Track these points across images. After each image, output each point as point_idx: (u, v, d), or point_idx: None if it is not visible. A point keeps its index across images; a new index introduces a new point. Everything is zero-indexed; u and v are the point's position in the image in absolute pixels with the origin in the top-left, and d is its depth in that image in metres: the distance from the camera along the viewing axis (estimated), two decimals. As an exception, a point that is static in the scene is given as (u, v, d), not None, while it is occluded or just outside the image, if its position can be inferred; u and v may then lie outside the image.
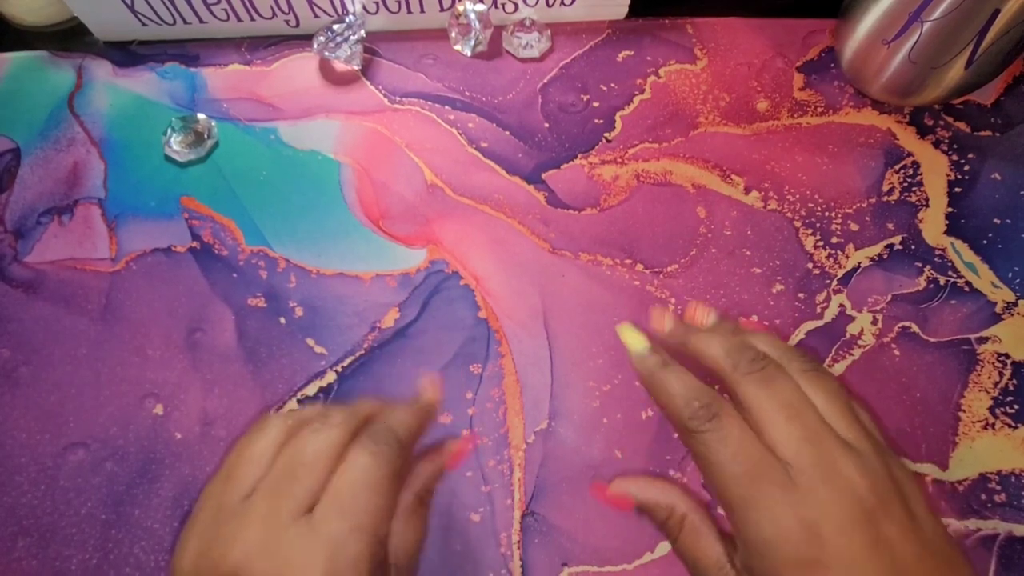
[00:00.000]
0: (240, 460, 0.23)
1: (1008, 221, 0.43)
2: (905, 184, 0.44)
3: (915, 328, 0.40)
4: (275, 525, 0.20)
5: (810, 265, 0.41)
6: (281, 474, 0.22)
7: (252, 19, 0.47)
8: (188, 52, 0.48)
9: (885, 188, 0.44)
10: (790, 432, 0.21)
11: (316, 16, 0.47)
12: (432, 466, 0.26)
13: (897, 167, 0.44)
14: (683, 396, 0.23)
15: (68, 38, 0.49)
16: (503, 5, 0.47)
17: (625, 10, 0.48)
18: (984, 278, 0.41)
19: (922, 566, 0.20)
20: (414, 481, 0.25)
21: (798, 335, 0.40)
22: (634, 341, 0.25)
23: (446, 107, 0.46)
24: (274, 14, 0.47)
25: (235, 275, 0.41)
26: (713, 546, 0.23)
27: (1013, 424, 0.38)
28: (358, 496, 0.21)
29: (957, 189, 0.43)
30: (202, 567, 0.21)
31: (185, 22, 0.47)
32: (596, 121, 0.46)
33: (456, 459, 0.27)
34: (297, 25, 0.48)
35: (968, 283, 0.41)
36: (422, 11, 0.47)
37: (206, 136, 0.44)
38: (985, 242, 0.42)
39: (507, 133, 0.45)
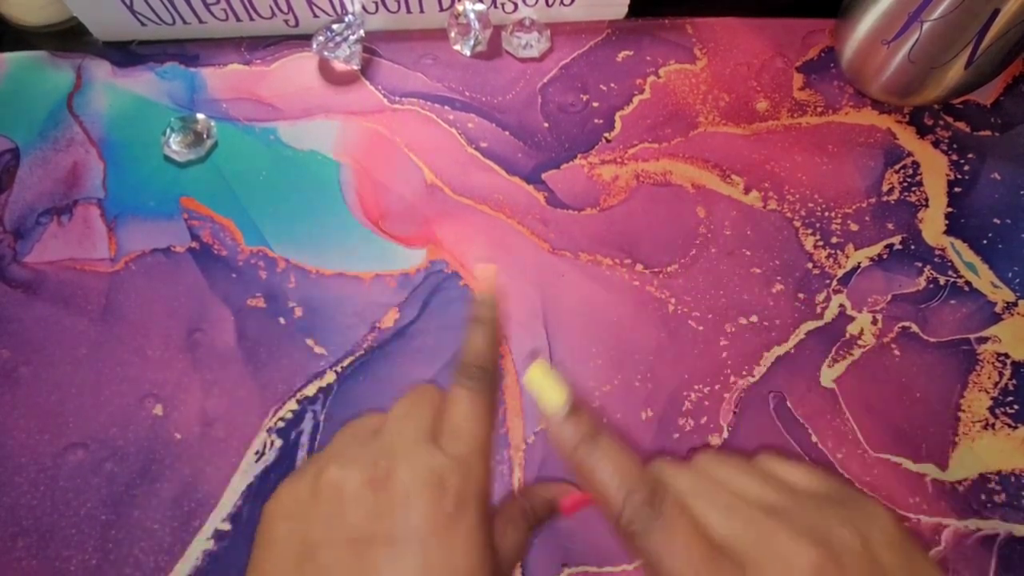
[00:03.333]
0: (354, 423, 0.25)
1: (1008, 221, 0.42)
2: (905, 184, 0.44)
3: (915, 328, 0.40)
4: (410, 444, 0.22)
5: (810, 265, 0.41)
6: (400, 414, 0.24)
7: (251, 19, 0.47)
8: (187, 52, 0.48)
9: (885, 188, 0.44)
10: (724, 521, 0.20)
11: (315, 16, 0.47)
12: (546, 493, 0.25)
13: (897, 167, 0.44)
14: (619, 488, 0.21)
15: (67, 38, 0.49)
16: (503, 5, 0.47)
17: (625, 10, 0.48)
18: (984, 278, 0.41)
19: None
20: (526, 494, 0.25)
21: (798, 335, 0.40)
22: (550, 394, 0.22)
23: (446, 107, 0.46)
24: (273, 14, 0.47)
25: (234, 275, 0.41)
26: None
27: (1013, 424, 0.37)
28: (470, 426, 0.23)
29: (957, 189, 0.43)
30: (347, 476, 0.21)
31: (184, 22, 0.47)
32: (596, 121, 0.46)
33: (570, 508, 0.25)
34: (296, 25, 0.48)
35: (968, 283, 0.41)
36: (421, 11, 0.47)
37: (205, 136, 0.44)
38: (985, 242, 0.42)
39: (507, 133, 0.45)
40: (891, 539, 0.20)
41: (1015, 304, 0.40)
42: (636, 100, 0.46)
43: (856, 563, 0.19)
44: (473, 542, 0.21)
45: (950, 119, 0.46)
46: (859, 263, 0.41)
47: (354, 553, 0.20)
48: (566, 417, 0.22)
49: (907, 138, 0.45)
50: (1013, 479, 0.36)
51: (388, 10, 0.47)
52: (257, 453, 0.37)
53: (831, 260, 0.42)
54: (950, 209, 0.43)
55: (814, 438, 0.37)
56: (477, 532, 0.21)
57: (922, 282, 0.41)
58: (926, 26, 0.39)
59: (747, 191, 0.44)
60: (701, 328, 0.40)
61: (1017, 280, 0.41)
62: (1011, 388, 0.38)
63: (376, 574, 0.20)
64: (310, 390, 0.38)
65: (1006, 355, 0.39)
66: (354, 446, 0.23)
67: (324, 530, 0.21)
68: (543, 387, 0.22)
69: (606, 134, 0.45)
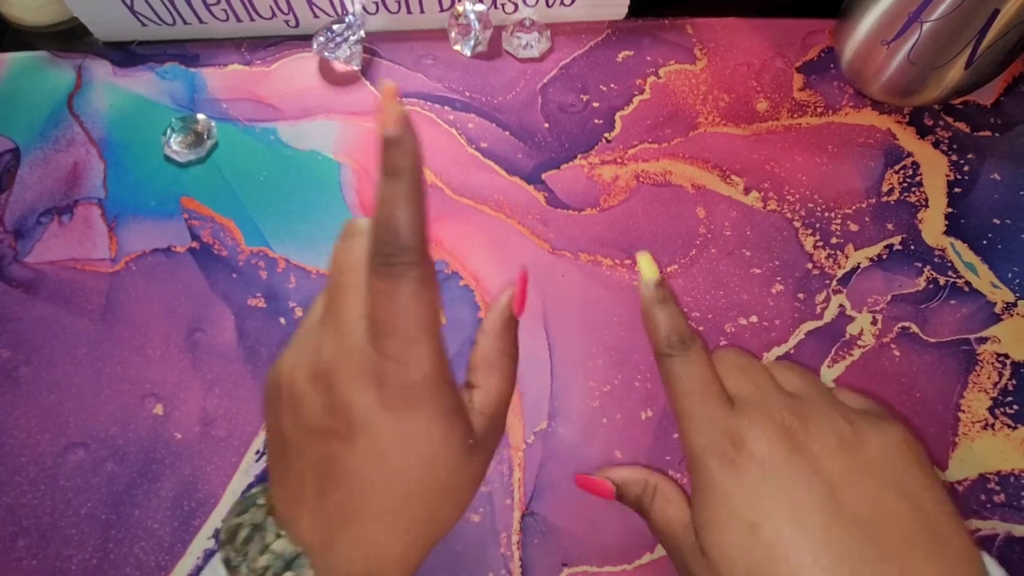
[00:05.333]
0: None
1: (1008, 221, 0.43)
2: (905, 184, 0.44)
3: (915, 328, 0.40)
4: (344, 345, 0.21)
5: (810, 265, 0.41)
6: (330, 290, 0.23)
7: (252, 19, 0.47)
8: (188, 52, 0.48)
9: (885, 188, 0.44)
10: (739, 379, 0.24)
11: (316, 16, 0.47)
12: (498, 320, 0.25)
13: (897, 167, 0.44)
14: (667, 329, 0.25)
15: (68, 38, 0.49)
16: (503, 5, 0.47)
17: (625, 10, 0.48)
18: (984, 278, 0.41)
19: (852, 483, 0.21)
20: (484, 336, 0.26)
21: (798, 335, 0.40)
22: (648, 270, 0.27)
23: (446, 107, 0.46)
24: (274, 14, 0.47)
25: (235, 275, 0.41)
26: (683, 509, 0.25)
27: (1012, 424, 0.38)
28: (401, 322, 0.20)
29: (957, 189, 0.43)
30: (296, 370, 0.22)
31: (185, 22, 0.47)
32: (596, 121, 0.46)
33: (520, 303, 0.26)
34: (297, 25, 0.48)
35: (968, 283, 0.41)
36: (422, 11, 0.47)
37: (206, 136, 0.44)
38: (985, 242, 0.42)
39: (507, 133, 0.45)
40: (890, 443, 0.22)
41: (1015, 304, 0.40)
42: (636, 100, 0.46)
43: (828, 434, 0.22)
44: (429, 419, 0.22)
45: (950, 119, 0.46)
46: (859, 263, 0.41)
47: (318, 441, 0.22)
48: (649, 285, 0.26)
49: (907, 138, 0.45)
50: (1013, 479, 0.36)
51: (388, 10, 0.47)
52: (257, 453, 0.37)
53: (831, 260, 0.42)
54: (950, 209, 0.43)
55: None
56: (431, 409, 0.22)
57: (922, 282, 0.41)
58: (926, 26, 0.39)
59: (747, 191, 0.44)
60: (701, 328, 0.40)
61: (1017, 280, 0.41)
62: (1011, 388, 0.38)
63: (340, 464, 0.22)
64: (310, 390, 0.38)
65: (1006, 355, 0.39)
66: (303, 333, 0.24)
67: (289, 422, 0.23)
68: (646, 265, 0.26)
69: (606, 134, 0.45)
